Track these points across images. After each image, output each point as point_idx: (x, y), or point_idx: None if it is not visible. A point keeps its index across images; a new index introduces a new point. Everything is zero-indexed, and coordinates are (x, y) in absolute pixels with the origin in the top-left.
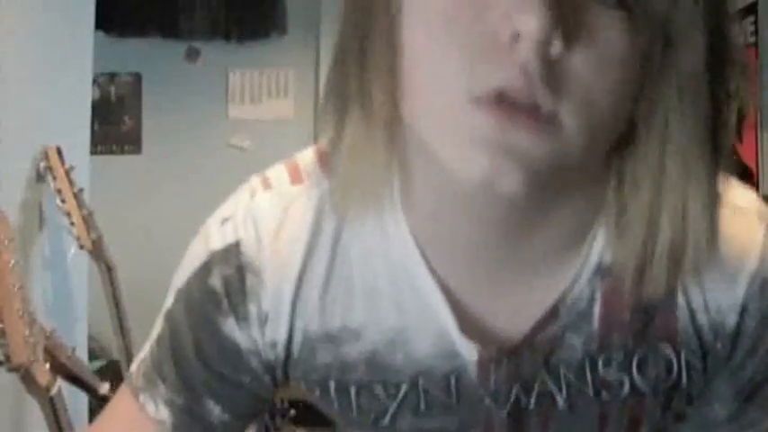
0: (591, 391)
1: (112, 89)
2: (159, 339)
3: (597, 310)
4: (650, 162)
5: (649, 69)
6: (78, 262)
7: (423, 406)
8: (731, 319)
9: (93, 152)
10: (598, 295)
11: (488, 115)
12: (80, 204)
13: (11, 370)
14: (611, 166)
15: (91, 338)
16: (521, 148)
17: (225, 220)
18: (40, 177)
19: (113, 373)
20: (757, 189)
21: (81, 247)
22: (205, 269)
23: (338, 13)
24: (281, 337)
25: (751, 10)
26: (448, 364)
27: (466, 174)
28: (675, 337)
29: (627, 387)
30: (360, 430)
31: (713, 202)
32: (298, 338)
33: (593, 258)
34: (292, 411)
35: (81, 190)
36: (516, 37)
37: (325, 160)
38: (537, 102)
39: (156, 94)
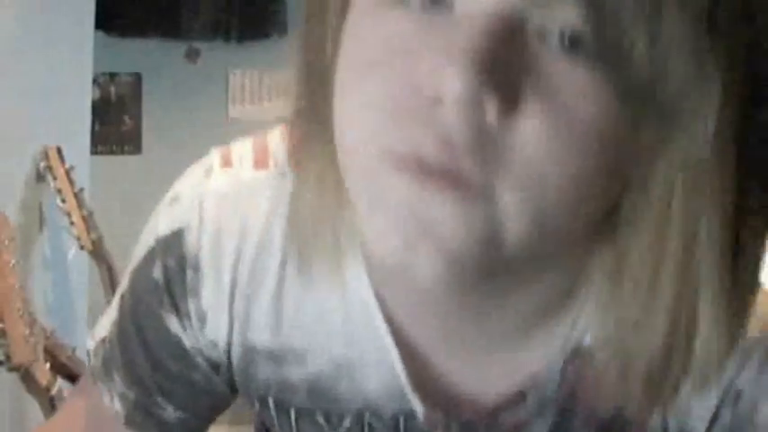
0: None
1: (112, 89)
2: (114, 325)
3: (565, 394)
4: (637, 265)
5: (641, 146)
6: (78, 262)
7: None
8: (700, 427)
9: (93, 152)
10: (570, 379)
11: (404, 179)
12: (80, 204)
13: (11, 370)
14: (603, 236)
15: None
16: (438, 224)
17: (173, 200)
18: (40, 177)
19: None
20: None
21: (81, 247)
22: (150, 257)
23: None
24: (220, 339)
25: None
26: (397, 405)
27: (380, 251)
28: None
29: None
30: None
31: (726, 328)
32: (237, 346)
33: (570, 340)
34: None
35: (81, 190)
36: (439, 99)
37: (293, 152)
38: (463, 175)
39: (156, 94)
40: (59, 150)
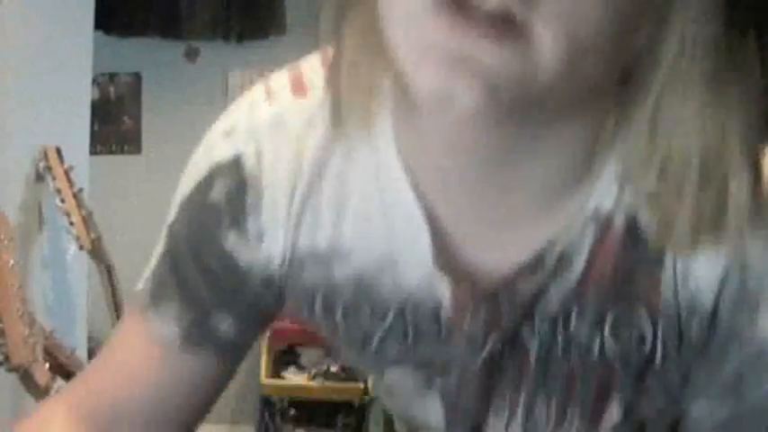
0: (560, 348)
1: (112, 89)
2: (163, 256)
3: (582, 259)
4: (649, 106)
5: (654, 3)
6: (78, 262)
7: (411, 336)
8: (708, 297)
9: (93, 152)
10: (587, 244)
11: (444, 19)
12: (80, 204)
13: (10, 370)
14: (619, 101)
15: (91, 338)
16: (478, 58)
17: (227, 133)
18: (39, 177)
19: None
20: None
21: (80, 247)
22: (207, 182)
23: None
24: (276, 252)
25: None
26: (436, 297)
27: (419, 84)
28: (656, 304)
29: (596, 350)
30: (350, 352)
31: (734, 164)
32: (288, 254)
33: (591, 203)
34: (292, 411)
35: (80, 190)
36: None
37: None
38: (505, 5)
39: (156, 94)
40: (59, 150)
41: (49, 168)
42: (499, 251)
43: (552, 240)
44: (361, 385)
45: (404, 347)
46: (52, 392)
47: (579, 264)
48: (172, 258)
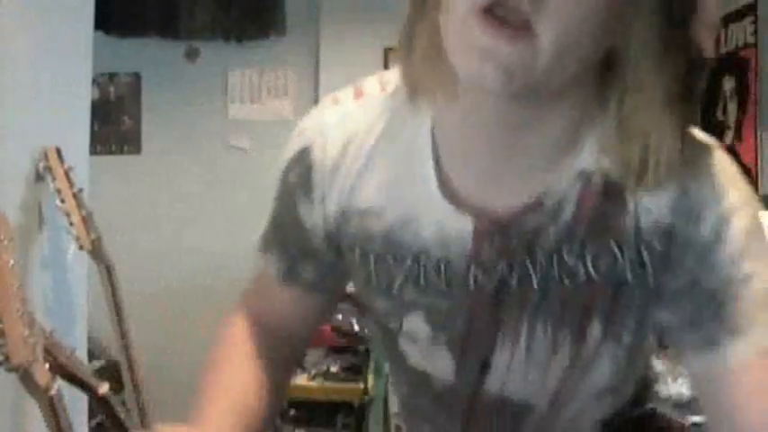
0: (556, 275)
1: (112, 89)
2: (270, 217)
3: (571, 207)
4: (621, 89)
5: (630, 9)
6: (78, 262)
7: (422, 282)
8: (665, 218)
9: (93, 152)
10: (574, 195)
11: (483, 27)
12: (79, 204)
13: (10, 370)
14: (602, 87)
15: (90, 338)
16: (501, 54)
17: (300, 132)
18: (39, 177)
19: (113, 373)
20: (757, 189)
21: (80, 247)
22: (287, 168)
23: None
24: (331, 212)
25: (750, 10)
26: (441, 251)
27: (463, 70)
28: (622, 237)
29: (582, 275)
30: (379, 299)
31: (671, 135)
32: (339, 213)
33: (577, 166)
34: (292, 411)
35: (80, 190)
36: None
37: (384, 84)
38: (520, 11)
39: (156, 94)
40: (59, 151)
41: (49, 168)
42: (508, 196)
43: (549, 188)
44: (361, 385)
45: (417, 293)
46: (52, 392)
47: (569, 209)
48: (273, 221)
